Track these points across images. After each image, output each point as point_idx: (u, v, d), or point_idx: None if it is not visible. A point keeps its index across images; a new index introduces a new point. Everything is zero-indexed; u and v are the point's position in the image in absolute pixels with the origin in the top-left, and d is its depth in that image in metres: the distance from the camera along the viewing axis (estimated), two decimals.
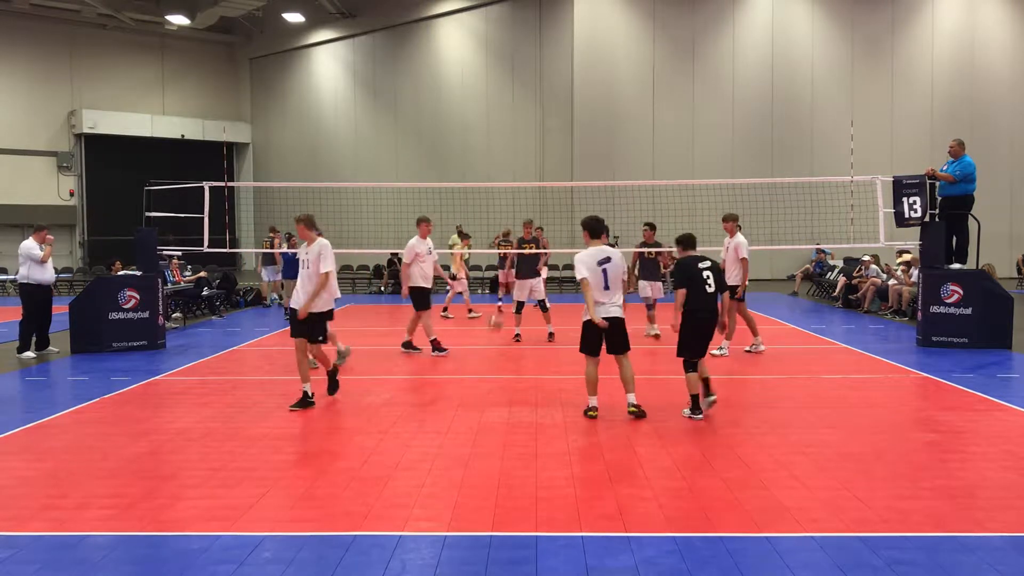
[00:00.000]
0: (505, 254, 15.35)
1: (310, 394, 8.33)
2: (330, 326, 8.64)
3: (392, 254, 21.90)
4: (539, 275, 13.12)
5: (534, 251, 13.17)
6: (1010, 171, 25.57)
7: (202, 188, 13.60)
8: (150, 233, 12.84)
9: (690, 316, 7.73)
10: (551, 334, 12.96)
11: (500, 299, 16.03)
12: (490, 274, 23.78)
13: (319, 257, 8.28)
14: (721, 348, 11.15)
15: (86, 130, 31.23)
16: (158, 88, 34.10)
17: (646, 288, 13.15)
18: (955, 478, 5.90)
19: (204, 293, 17.45)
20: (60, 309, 12.82)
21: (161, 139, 32.94)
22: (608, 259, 7.61)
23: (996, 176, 23.88)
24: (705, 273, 7.74)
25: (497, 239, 17.10)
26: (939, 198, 12.35)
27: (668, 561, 4.45)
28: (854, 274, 18.17)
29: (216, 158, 29.27)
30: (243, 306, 19.46)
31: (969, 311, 11.76)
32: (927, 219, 12.15)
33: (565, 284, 23.43)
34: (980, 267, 12.71)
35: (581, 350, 7.82)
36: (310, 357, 8.61)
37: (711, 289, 7.75)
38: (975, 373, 9.89)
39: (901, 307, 15.58)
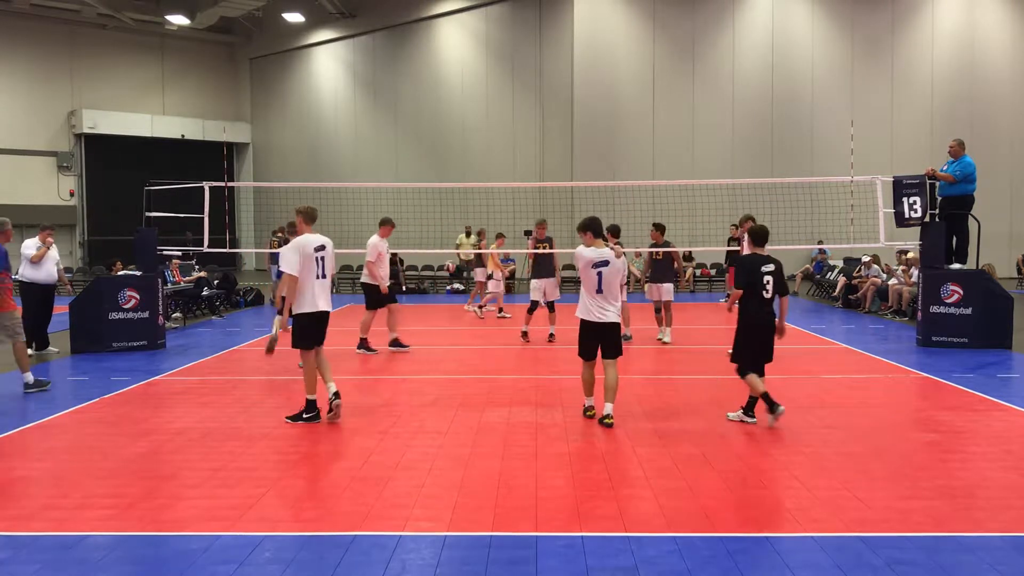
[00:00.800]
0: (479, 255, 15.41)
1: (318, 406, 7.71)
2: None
3: (392, 254, 21.81)
4: (554, 276, 13.07)
5: (548, 251, 13.09)
6: (1010, 171, 25.54)
7: (202, 188, 13.61)
8: (150, 233, 12.84)
9: (745, 325, 7.46)
10: (552, 335, 12.97)
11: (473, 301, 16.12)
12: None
13: (333, 258, 7.98)
14: None
15: (86, 130, 31.24)
16: (158, 88, 34.11)
17: (653, 290, 12.72)
18: (955, 478, 5.90)
19: (204, 293, 17.44)
20: (60, 309, 12.83)
21: (161, 139, 32.96)
22: (605, 263, 7.50)
23: (996, 176, 23.86)
24: (765, 278, 7.37)
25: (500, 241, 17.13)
26: (939, 198, 12.35)
27: (668, 561, 4.46)
28: (854, 274, 18.18)
29: (216, 158, 29.22)
30: (243, 306, 19.45)
31: (969, 311, 11.76)
32: (927, 219, 12.16)
33: (565, 284, 23.30)
34: (980, 267, 12.72)
35: (579, 354, 7.79)
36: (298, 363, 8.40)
37: (767, 295, 7.41)
38: (975, 373, 9.90)
39: (901, 307, 15.58)
